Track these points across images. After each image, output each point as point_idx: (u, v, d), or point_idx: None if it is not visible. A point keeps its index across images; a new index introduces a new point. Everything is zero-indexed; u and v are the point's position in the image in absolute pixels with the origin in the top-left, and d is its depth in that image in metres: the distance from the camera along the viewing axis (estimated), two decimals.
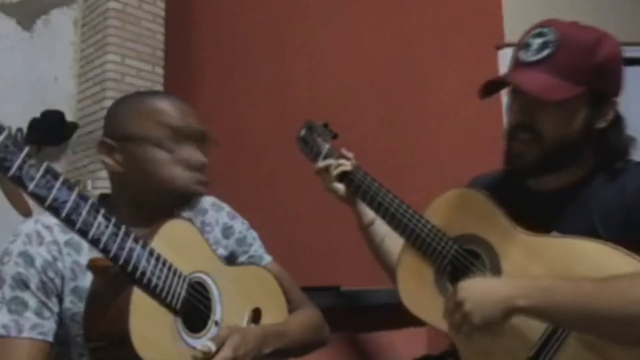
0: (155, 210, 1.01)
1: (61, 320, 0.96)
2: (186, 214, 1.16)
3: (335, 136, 1.35)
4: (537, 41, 1.02)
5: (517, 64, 1.05)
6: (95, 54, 3.49)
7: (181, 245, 0.97)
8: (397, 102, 2.98)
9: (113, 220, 0.81)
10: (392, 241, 1.29)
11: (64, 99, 3.54)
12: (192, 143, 1.02)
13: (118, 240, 0.81)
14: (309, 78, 3.21)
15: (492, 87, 1.07)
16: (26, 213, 2.99)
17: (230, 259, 1.20)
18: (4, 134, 0.67)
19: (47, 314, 0.93)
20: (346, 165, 1.27)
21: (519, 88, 1.01)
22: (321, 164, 1.30)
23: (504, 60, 2.55)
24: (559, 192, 1.08)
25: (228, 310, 1.03)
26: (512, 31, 2.57)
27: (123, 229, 0.83)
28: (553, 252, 1.00)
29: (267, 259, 1.25)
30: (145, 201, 1.02)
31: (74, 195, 0.75)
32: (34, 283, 0.92)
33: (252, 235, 1.25)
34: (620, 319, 0.86)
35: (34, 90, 3.37)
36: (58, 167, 3.33)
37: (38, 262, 0.93)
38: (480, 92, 1.07)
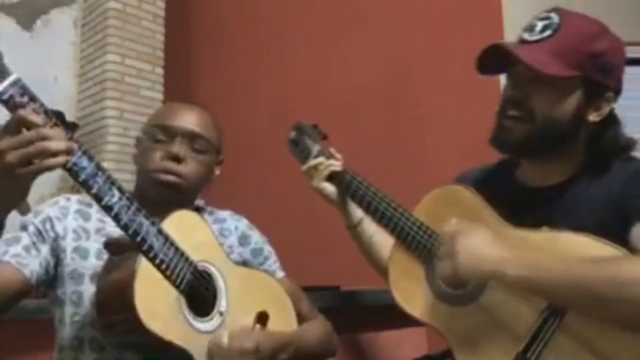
0: (154, 204, 1.06)
1: (61, 278, 1.06)
2: (205, 216, 1.20)
3: (324, 137, 1.37)
4: (541, 23, 1.05)
5: (519, 42, 1.07)
6: (95, 54, 3.49)
7: (190, 234, 1.02)
8: (397, 102, 2.98)
9: (126, 194, 0.90)
10: (382, 238, 1.30)
11: (64, 99, 3.54)
12: (178, 139, 1.11)
13: (130, 212, 0.89)
14: (309, 78, 3.20)
15: (491, 64, 1.08)
16: (26, 213, 2.99)
17: (244, 264, 1.21)
18: (38, 102, 0.81)
19: (33, 252, 1.03)
20: (336, 165, 1.29)
21: (514, 57, 1.02)
22: (311, 162, 1.31)
23: None
24: (550, 188, 1.09)
25: (234, 304, 1.04)
26: (512, 31, 2.57)
27: (135, 204, 0.91)
28: (539, 246, 1.00)
29: (280, 274, 1.26)
30: (142, 189, 1.13)
31: (93, 164, 0.85)
32: (31, 227, 1.06)
33: (269, 249, 1.27)
34: (604, 298, 0.87)
35: (34, 90, 3.36)
36: None
37: (41, 216, 1.08)
38: (478, 64, 1.08)
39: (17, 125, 0.77)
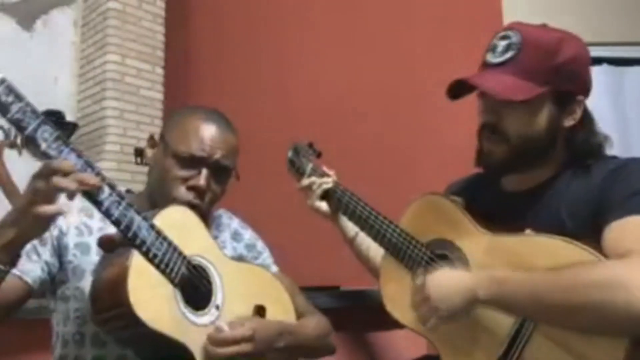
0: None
1: (66, 274, 1.06)
2: None
3: (319, 155, 1.45)
4: (502, 43, 1.06)
5: (484, 66, 1.09)
6: (95, 54, 3.49)
7: (183, 229, 1.02)
8: (397, 101, 2.98)
9: (117, 189, 0.90)
10: (377, 250, 1.35)
11: (64, 99, 3.54)
12: (205, 170, 1.10)
13: (121, 207, 0.89)
14: (310, 78, 3.21)
15: (460, 89, 1.11)
16: None
17: (239, 260, 1.21)
18: (24, 101, 0.83)
19: (34, 257, 1.03)
20: (328, 183, 1.36)
21: (481, 89, 1.05)
22: (305, 181, 1.39)
23: None
24: (531, 191, 1.12)
25: (230, 298, 1.04)
26: None
27: (126, 200, 0.91)
28: (512, 249, 1.04)
29: (274, 269, 1.27)
30: (155, 199, 1.12)
31: (82, 161, 0.86)
32: (49, 242, 1.05)
33: (262, 245, 1.29)
34: (566, 306, 0.89)
35: (34, 90, 3.35)
36: None
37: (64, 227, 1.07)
38: (448, 93, 1.12)
39: (50, 174, 0.81)
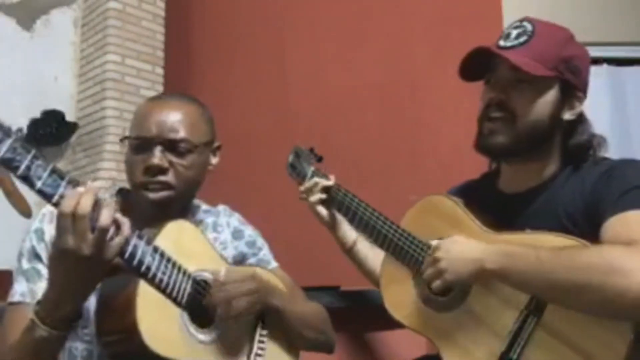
0: (145, 212, 1.06)
1: None
2: (199, 215, 1.21)
3: (320, 159, 1.44)
4: (515, 31, 1.12)
5: (496, 48, 1.12)
6: (95, 54, 3.49)
7: (185, 245, 1.01)
8: (397, 102, 2.98)
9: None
10: (376, 259, 1.37)
11: (64, 99, 3.54)
12: (157, 148, 1.04)
13: None
14: (309, 78, 3.21)
15: (473, 70, 1.14)
16: (26, 213, 2.99)
17: (240, 261, 1.22)
18: (12, 137, 0.74)
19: None
20: (328, 183, 1.35)
21: (501, 58, 1.08)
22: (307, 184, 1.38)
23: None
24: (529, 192, 1.14)
25: None
26: None
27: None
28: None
29: (274, 264, 1.27)
30: (139, 202, 1.08)
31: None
32: (44, 255, 1.01)
33: (262, 241, 1.29)
34: (568, 285, 0.91)
35: (34, 90, 3.37)
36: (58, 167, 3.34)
37: (47, 237, 1.01)
38: (461, 71, 1.15)
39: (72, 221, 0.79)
